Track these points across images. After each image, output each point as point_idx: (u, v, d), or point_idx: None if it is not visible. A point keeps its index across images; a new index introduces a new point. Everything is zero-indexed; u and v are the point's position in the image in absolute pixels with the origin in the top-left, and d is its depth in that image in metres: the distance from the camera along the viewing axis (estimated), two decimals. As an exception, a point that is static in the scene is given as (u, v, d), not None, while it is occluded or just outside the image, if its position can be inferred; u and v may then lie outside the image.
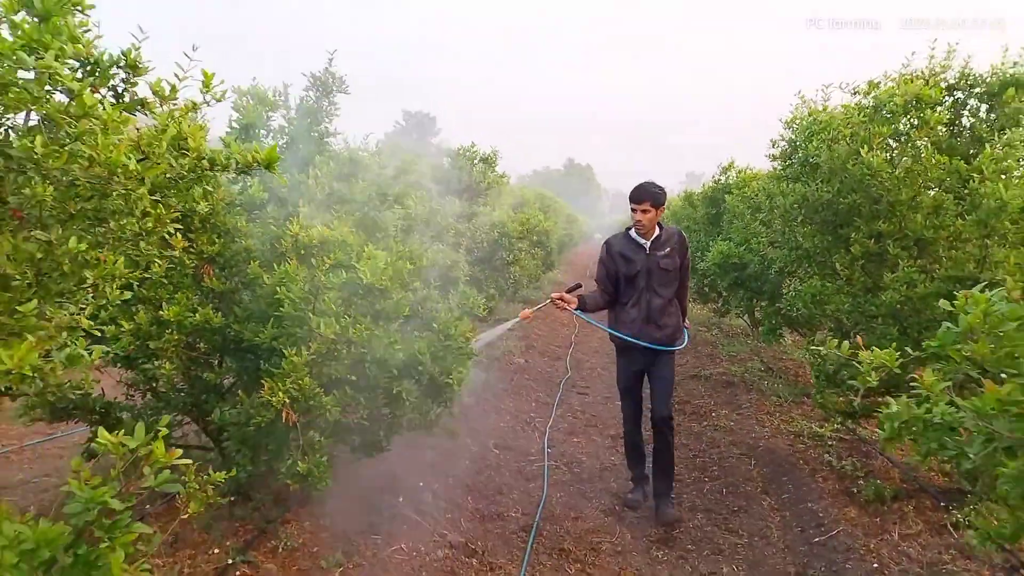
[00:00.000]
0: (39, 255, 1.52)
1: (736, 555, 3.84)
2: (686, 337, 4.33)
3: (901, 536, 3.71)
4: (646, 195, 4.00)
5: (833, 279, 4.55)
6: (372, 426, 3.37)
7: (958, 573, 3.30)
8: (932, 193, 3.68)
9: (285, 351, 2.84)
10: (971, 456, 1.65)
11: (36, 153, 1.40)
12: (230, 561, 3.15)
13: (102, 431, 1.40)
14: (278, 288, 2.99)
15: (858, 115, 3.82)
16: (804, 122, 4.59)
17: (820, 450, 5.08)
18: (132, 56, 1.78)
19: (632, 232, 4.16)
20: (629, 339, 4.11)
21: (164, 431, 1.44)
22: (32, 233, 1.51)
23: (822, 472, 4.68)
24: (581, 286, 4.39)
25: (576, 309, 4.13)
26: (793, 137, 4.94)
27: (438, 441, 4.96)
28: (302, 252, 3.14)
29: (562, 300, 4.09)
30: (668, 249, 4.10)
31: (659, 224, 4.15)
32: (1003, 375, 1.62)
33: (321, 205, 3.59)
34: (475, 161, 7.73)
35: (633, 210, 4.06)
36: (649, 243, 4.11)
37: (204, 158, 1.82)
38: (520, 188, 17.85)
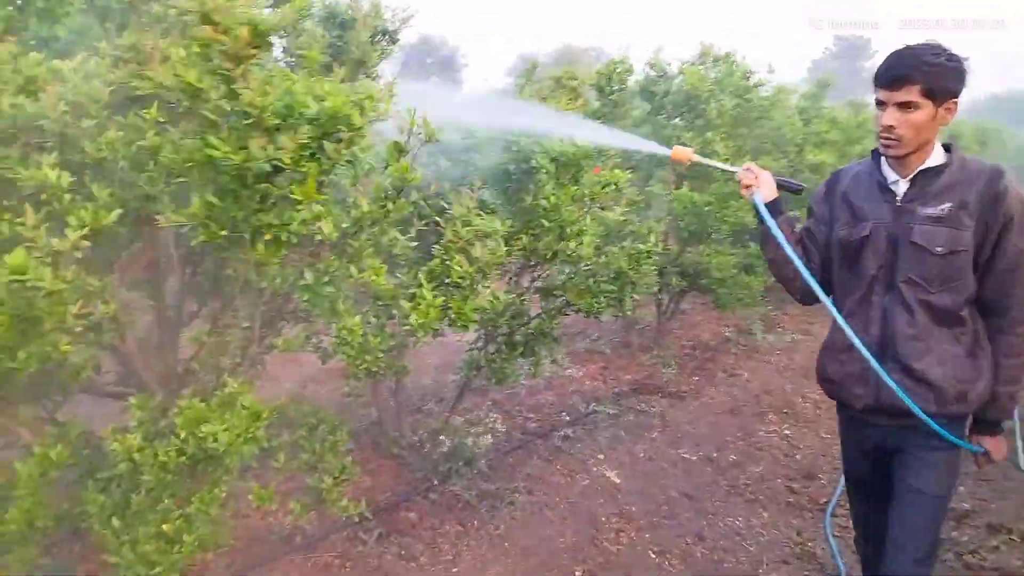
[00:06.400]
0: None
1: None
2: (1017, 427, 2.02)
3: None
4: (909, 71, 1.71)
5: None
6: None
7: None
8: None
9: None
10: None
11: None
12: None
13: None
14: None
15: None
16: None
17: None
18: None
19: (883, 162, 1.89)
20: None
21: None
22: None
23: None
24: (802, 191, 2.20)
25: (763, 204, 2.01)
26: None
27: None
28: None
29: (755, 177, 2.07)
30: (948, 205, 1.76)
31: (947, 147, 1.83)
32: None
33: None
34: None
35: (880, 103, 1.77)
36: (906, 184, 1.83)
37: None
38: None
